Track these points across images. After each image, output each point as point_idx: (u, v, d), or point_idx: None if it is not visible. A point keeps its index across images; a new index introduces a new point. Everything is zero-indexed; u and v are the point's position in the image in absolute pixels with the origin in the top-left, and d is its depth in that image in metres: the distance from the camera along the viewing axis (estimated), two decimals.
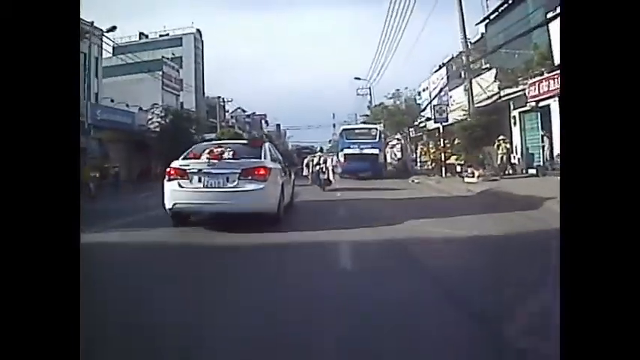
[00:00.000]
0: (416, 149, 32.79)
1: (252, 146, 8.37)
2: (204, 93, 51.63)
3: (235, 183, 7.05)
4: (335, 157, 18.32)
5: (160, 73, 38.60)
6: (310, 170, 17.55)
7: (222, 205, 7.17)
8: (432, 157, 23.39)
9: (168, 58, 42.99)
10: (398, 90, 33.53)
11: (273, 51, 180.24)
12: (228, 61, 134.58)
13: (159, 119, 28.57)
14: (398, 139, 32.55)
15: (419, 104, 31.88)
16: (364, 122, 37.01)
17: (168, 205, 7.32)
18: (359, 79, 43.05)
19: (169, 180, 7.33)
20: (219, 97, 49.27)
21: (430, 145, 25.85)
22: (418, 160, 30.17)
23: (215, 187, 7.09)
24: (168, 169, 7.51)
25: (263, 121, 64.61)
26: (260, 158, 7.64)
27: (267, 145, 8.67)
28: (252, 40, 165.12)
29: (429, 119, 27.21)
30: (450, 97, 25.29)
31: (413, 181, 19.78)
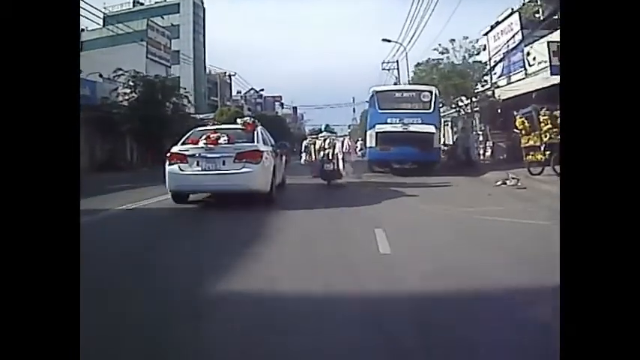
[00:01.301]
0: (484, 129, 22.18)
1: (245, 130, 8.88)
2: (205, 68, 44.64)
3: (231, 165, 7.79)
4: (347, 140, 11.75)
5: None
6: (311, 157, 11.56)
7: (218, 186, 7.97)
8: (545, 138, 11.54)
9: (163, 27, 36.07)
10: (453, 40, 21.27)
11: (293, 35, 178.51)
12: (245, 45, 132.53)
13: (127, 89, 22.37)
14: (459, 113, 22.69)
15: (484, 63, 22.13)
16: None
17: (169, 187, 8.13)
18: (388, 41, 29.90)
19: (170, 164, 8.05)
20: (223, 73, 43.86)
21: (544, 117, 11.63)
22: (500, 144, 19.08)
23: (212, 170, 7.82)
24: (168, 154, 8.25)
25: (277, 103, 61.36)
26: (253, 142, 8.38)
27: (259, 128, 9.19)
28: (272, 23, 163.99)
29: (497, 86, 20.13)
30: (528, 54, 18.24)
31: (505, 183, 10.82)
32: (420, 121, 14.71)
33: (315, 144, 11.59)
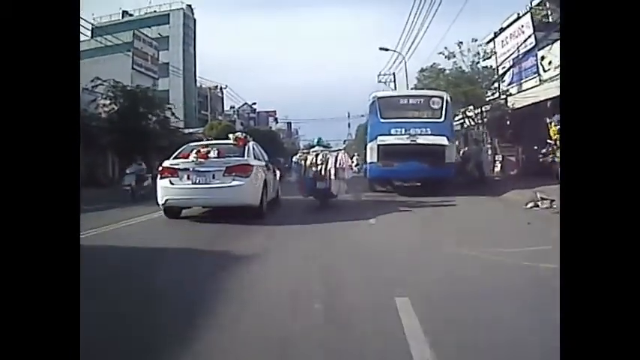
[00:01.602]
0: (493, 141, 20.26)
1: (237, 145, 8.89)
2: (195, 80, 43.34)
3: (221, 179, 7.81)
4: (342, 154, 10.48)
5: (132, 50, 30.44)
6: (302, 174, 10.21)
7: (208, 199, 8.04)
8: None
9: (151, 38, 34.12)
10: (461, 43, 19.30)
11: (286, 49, 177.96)
12: (238, 58, 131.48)
13: (107, 101, 20.78)
14: (463, 124, 20.66)
15: (494, 69, 20.23)
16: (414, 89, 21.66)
17: (160, 201, 8.10)
18: (385, 49, 27.73)
19: (161, 178, 8.14)
20: (214, 86, 42.37)
21: None
22: (511, 157, 18.13)
23: (202, 184, 7.86)
24: (160, 169, 8.37)
25: (271, 118, 60.59)
26: (244, 156, 8.37)
27: (250, 144, 9.21)
28: (265, 39, 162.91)
29: (509, 94, 18.16)
30: (542, 58, 16.20)
31: (537, 205, 8.72)
32: (429, 132, 12.43)
33: (306, 159, 10.20)
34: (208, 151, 8.16)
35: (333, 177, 9.81)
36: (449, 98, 13.49)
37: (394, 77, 31.77)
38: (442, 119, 12.83)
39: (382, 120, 13.05)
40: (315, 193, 10.10)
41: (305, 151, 11.02)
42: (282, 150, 37.60)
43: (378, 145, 12.75)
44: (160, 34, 38.20)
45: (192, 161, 7.98)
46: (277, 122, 62.06)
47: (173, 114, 24.42)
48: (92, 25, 26.14)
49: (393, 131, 12.64)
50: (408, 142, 12.40)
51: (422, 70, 22.22)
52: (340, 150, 11.69)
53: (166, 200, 8.02)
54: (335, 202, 10.26)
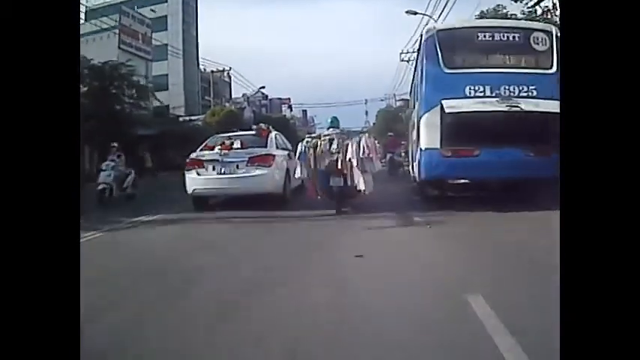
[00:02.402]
0: None
1: (260, 136, 9.36)
2: (198, 64, 39.63)
3: (244, 169, 8.33)
4: (366, 139, 7.59)
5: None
6: (309, 167, 7.80)
7: (233, 188, 8.49)
8: None
9: (145, 17, 30.15)
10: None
11: (304, 41, 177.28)
12: (256, 51, 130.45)
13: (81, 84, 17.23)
14: None
15: None
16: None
17: (189, 191, 8.73)
18: (414, 13, 21.87)
19: (188, 170, 8.73)
20: (220, 70, 38.39)
21: None
22: None
23: (227, 174, 8.40)
24: (187, 161, 8.95)
25: (286, 106, 57.90)
26: (266, 147, 8.85)
27: (273, 134, 9.60)
28: (284, 30, 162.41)
29: None
30: None
31: None
32: (534, 93, 7.07)
33: (316, 146, 7.61)
34: (232, 143, 8.72)
35: (354, 169, 7.22)
36: (557, 33, 7.24)
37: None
38: (552, 69, 7.07)
39: (448, 71, 7.39)
40: (329, 191, 7.48)
41: (314, 135, 8.62)
42: (296, 138, 35.89)
43: (444, 115, 7.12)
44: (152, 10, 33.23)
45: (217, 153, 8.56)
46: (292, 110, 59.05)
47: (154, 96, 21.82)
48: (86, 7, 24.55)
49: (469, 90, 7.21)
50: (501, 109, 6.91)
51: (482, 15, 16.08)
52: (363, 134, 8.70)
53: (194, 190, 8.64)
54: (359, 204, 7.57)
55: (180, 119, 26.88)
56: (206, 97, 40.25)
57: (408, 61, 28.71)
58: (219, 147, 8.67)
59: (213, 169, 8.51)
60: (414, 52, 23.50)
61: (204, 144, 9.37)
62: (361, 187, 7.30)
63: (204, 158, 8.72)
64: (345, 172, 7.37)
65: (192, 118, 28.02)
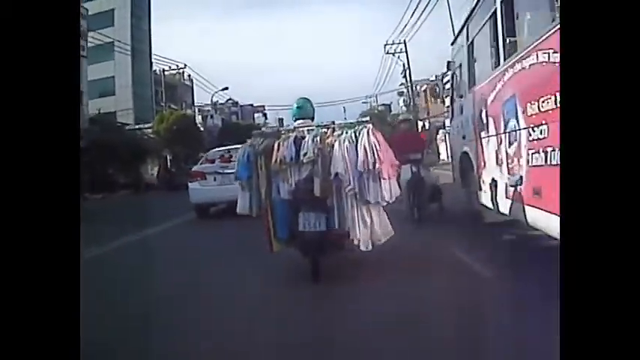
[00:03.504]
0: None
1: None
2: (151, 64, 34.93)
3: None
4: (372, 133, 3.72)
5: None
6: (260, 190, 4.32)
7: (232, 197, 8.73)
8: None
9: (84, 8, 24.90)
10: None
11: (281, 50, 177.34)
12: (233, 60, 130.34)
13: None
14: None
15: None
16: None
17: (192, 200, 9.88)
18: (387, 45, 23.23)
19: (191, 181, 9.91)
20: (172, 68, 32.85)
21: None
22: None
23: (227, 184, 8.76)
24: (191, 172, 10.24)
25: (261, 114, 53.98)
26: None
27: None
28: (262, 40, 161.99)
29: None
30: None
31: None
32: None
33: (271, 152, 4.19)
34: (230, 156, 9.47)
35: (347, 197, 3.90)
36: None
37: (405, 47, 24.14)
38: None
39: None
40: (299, 241, 4.11)
41: (269, 131, 5.56)
42: None
43: None
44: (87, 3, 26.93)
45: (217, 165, 9.69)
46: (267, 118, 53.08)
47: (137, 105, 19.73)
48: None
49: None
50: None
51: None
52: (366, 124, 4.38)
53: (197, 200, 9.76)
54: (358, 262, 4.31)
55: (127, 128, 23.69)
56: (168, 103, 35.13)
57: (394, 54, 27.45)
58: (219, 160, 9.80)
59: (214, 180, 9.52)
60: (399, 43, 24.07)
61: (204, 157, 10.53)
62: (360, 234, 3.87)
63: (205, 170, 9.79)
64: (327, 201, 4.01)
65: (145, 126, 24.43)
